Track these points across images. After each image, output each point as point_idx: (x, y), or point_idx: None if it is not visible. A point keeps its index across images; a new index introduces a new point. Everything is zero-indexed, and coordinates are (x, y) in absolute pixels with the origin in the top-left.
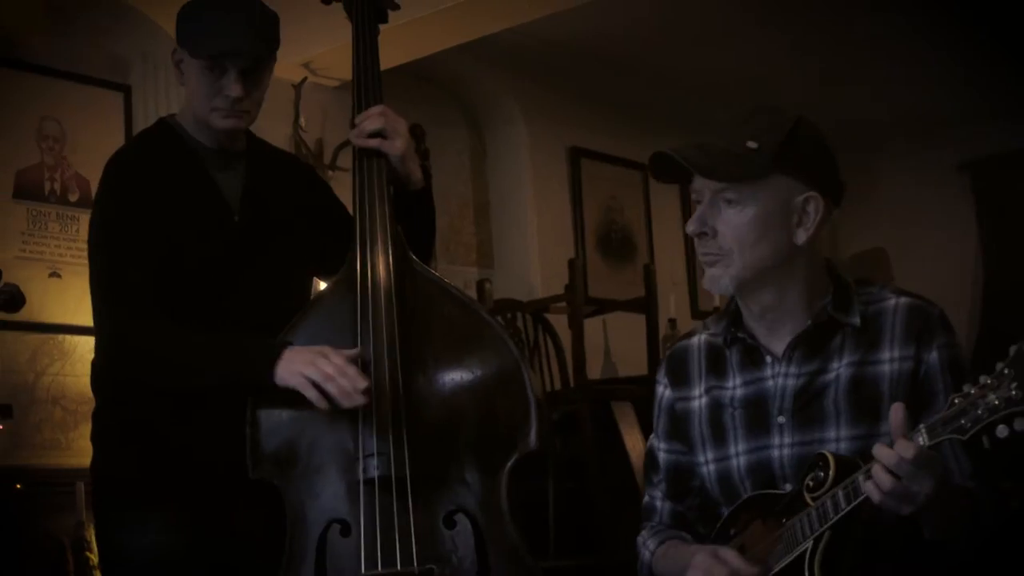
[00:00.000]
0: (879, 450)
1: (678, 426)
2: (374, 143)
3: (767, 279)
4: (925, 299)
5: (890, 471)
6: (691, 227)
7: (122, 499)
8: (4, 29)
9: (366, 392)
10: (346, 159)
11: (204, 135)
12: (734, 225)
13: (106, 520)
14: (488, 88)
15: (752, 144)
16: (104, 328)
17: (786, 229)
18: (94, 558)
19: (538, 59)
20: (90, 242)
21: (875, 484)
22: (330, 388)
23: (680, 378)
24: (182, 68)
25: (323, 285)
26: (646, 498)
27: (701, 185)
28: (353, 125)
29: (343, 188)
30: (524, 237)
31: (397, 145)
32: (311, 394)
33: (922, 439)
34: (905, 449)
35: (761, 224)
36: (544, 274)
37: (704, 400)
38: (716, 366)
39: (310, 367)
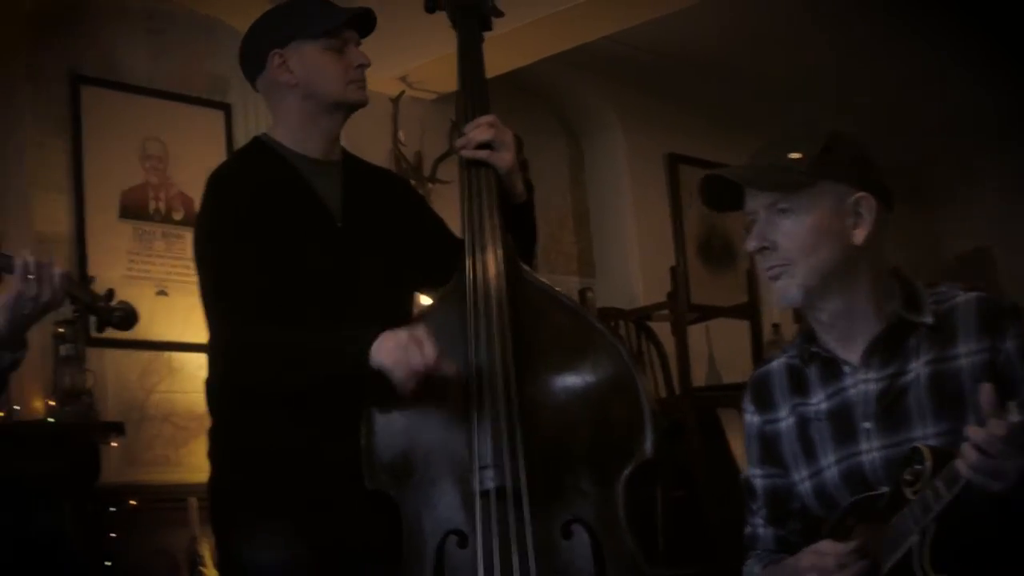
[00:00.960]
0: (972, 431)
1: (770, 450)
2: (483, 155)
3: (832, 284)
4: (994, 295)
5: (982, 449)
6: (751, 244)
7: (244, 516)
8: (107, 52)
9: (436, 363)
10: (445, 171)
11: (302, 145)
12: (792, 234)
13: (229, 537)
14: (585, 96)
15: (795, 155)
16: (216, 340)
17: (842, 231)
18: (208, 573)
19: (634, 66)
20: (197, 257)
21: (966, 462)
22: (414, 359)
23: (765, 402)
24: (290, 66)
25: (423, 300)
26: (748, 528)
27: (754, 205)
28: (460, 134)
29: (443, 201)
30: (624, 245)
31: (505, 158)
32: (401, 375)
33: (1013, 416)
34: (997, 427)
35: (817, 229)
36: (646, 282)
37: (791, 420)
38: (798, 385)
39: (401, 350)
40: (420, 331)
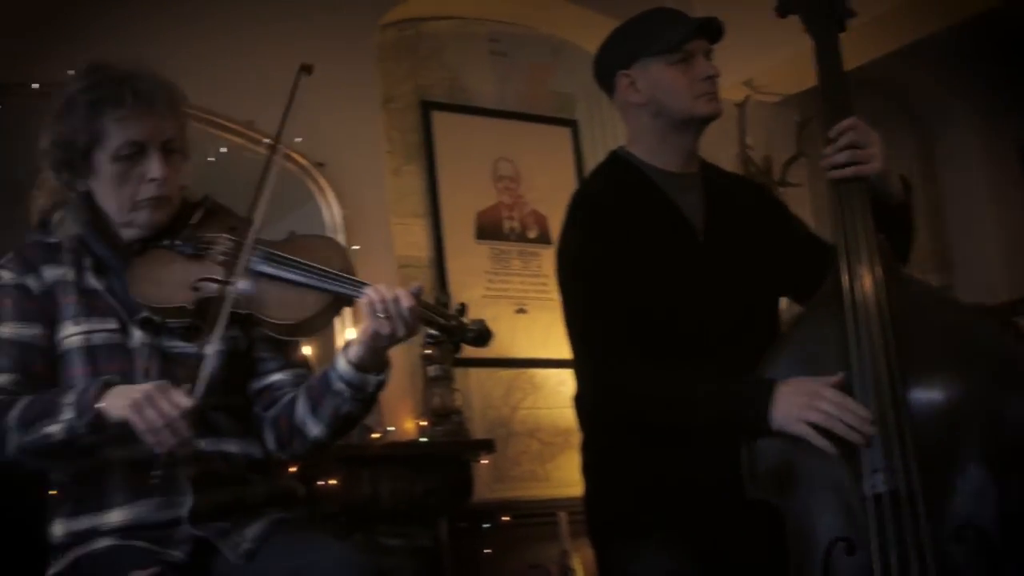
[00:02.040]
0: None
1: None
2: (849, 172)
3: None
4: None
5: None
6: None
7: (626, 530)
8: (453, 77)
9: (873, 423)
10: (795, 174)
11: (660, 160)
12: None
13: (611, 552)
14: (933, 90)
15: None
16: (586, 368)
17: None
18: None
19: (981, 55)
20: (563, 281)
21: None
22: (837, 428)
23: None
24: (637, 86)
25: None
26: None
27: None
28: (827, 140)
29: (795, 204)
30: (983, 239)
31: (873, 164)
32: (820, 443)
33: None
34: None
35: None
36: (1010, 275)
37: None
38: None
39: (811, 411)
40: (829, 391)
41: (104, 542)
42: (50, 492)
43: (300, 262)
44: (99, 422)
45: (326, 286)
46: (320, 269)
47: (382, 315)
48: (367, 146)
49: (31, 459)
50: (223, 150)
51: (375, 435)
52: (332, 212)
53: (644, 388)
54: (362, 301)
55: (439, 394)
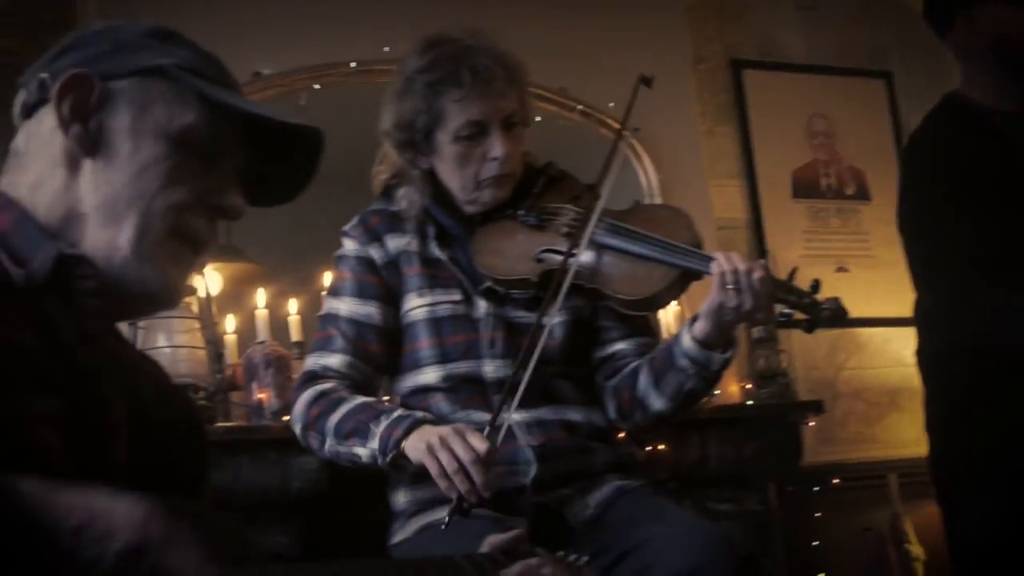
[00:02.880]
0: None
1: None
2: None
3: None
4: None
5: None
6: None
7: (978, 489)
8: (761, 33)
9: None
10: None
11: (999, 102)
12: None
13: (960, 513)
14: None
15: None
16: (950, 303)
17: None
18: (914, 550)
19: None
20: (910, 225)
21: None
22: None
23: None
24: (977, 28)
25: None
26: None
27: None
28: None
29: None
30: None
31: None
32: None
33: None
34: None
35: None
36: None
37: None
38: None
39: None
40: None
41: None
42: None
43: (646, 235)
44: (398, 461)
45: (673, 260)
46: (666, 242)
47: (731, 286)
48: (680, 109)
49: (342, 464)
50: (538, 119)
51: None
52: (648, 177)
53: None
54: (714, 269)
55: (764, 356)
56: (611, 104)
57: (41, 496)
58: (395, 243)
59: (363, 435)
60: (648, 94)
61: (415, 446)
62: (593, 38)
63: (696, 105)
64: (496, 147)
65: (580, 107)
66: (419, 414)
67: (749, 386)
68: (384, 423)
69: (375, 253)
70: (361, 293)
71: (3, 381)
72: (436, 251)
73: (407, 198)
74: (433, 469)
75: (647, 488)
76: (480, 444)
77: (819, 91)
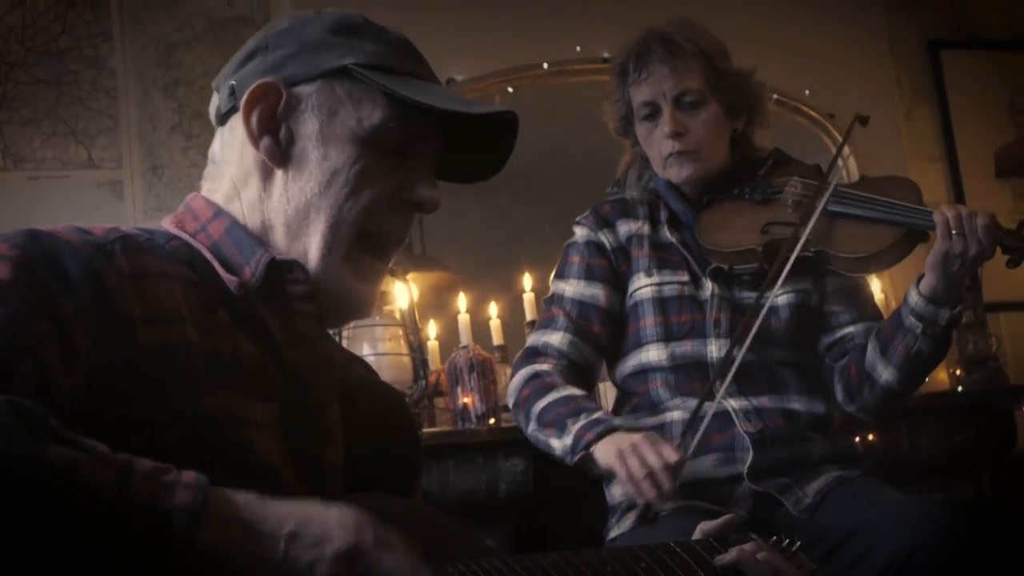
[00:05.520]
0: None
1: None
2: None
3: None
4: None
5: None
6: None
7: None
8: (959, 13)
9: None
10: None
11: None
12: None
13: None
14: None
15: None
16: None
17: None
18: None
19: None
20: None
21: None
22: None
23: None
24: None
25: None
26: None
27: None
28: None
29: None
30: None
31: None
32: None
33: None
34: None
35: None
36: None
37: None
38: None
39: None
40: None
41: (666, 504)
42: None
43: (871, 197)
44: (586, 462)
45: (898, 218)
46: (890, 202)
47: (955, 232)
48: (877, 92)
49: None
50: None
51: None
52: (847, 163)
53: None
54: (936, 219)
55: (973, 341)
56: (806, 92)
57: (257, 506)
58: (626, 228)
59: (560, 429)
60: (845, 78)
61: (605, 450)
62: (787, 24)
63: (894, 88)
64: (665, 124)
65: (775, 96)
66: (616, 420)
67: (959, 372)
68: (581, 422)
69: (605, 238)
70: (588, 275)
71: (222, 389)
72: (667, 234)
73: (638, 184)
74: (621, 473)
75: (866, 477)
76: (670, 453)
77: (1021, 66)
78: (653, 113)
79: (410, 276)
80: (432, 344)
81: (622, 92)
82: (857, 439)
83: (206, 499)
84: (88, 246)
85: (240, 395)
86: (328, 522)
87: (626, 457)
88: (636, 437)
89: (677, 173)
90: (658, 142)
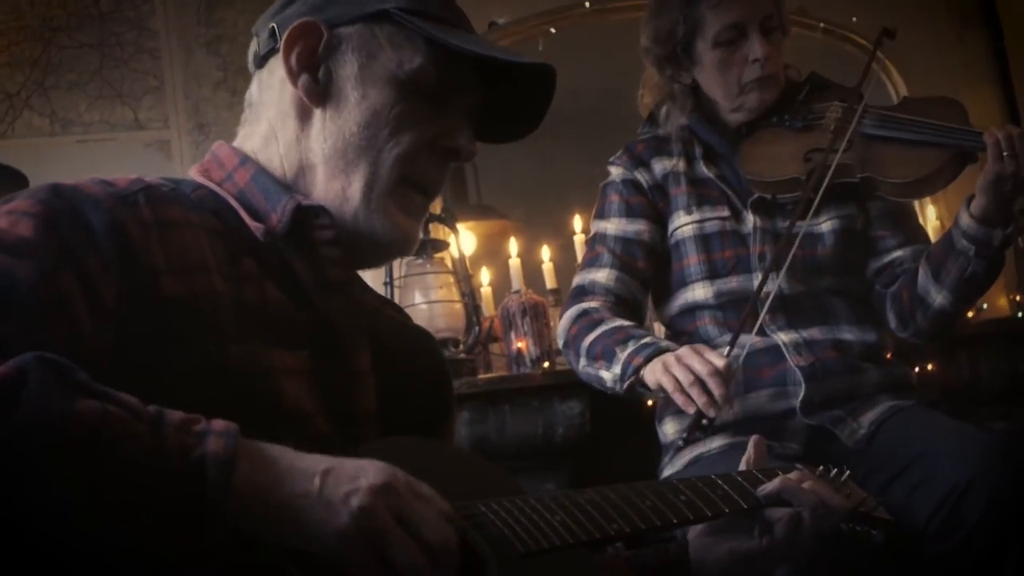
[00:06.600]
0: None
1: None
2: None
3: None
4: None
5: None
6: None
7: None
8: None
9: None
10: None
11: None
12: None
13: None
14: None
15: None
16: None
17: None
18: None
19: None
20: None
21: None
22: None
23: None
24: None
25: None
26: None
27: None
28: None
29: None
30: None
31: None
32: None
33: None
34: None
35: None
36: None
37: None
38: None
39: None
40: None
41: (718, 441)
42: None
43: (915, 120)
44: (635, 387)
45: (946, 140)
46: (936, 124)
47: (1007, 152)
48: (926, 16)
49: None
50: None
51: (970, 314)
52: (897, 90)
53: None
54: (987, 140)
55: None
56: (854, 19)
57: (291, 451)
58: (661, 166)
59: (609, 359)
60: (893, 3)
61: (653, 370)
62: None
63: (943, 12)
64: (756, 48)
65: (822, 25)
66: (664, 343)
67: (1019, 298)
68: (630, 348)
69: (641, 176)
70: (628, 212)
71: (250, 338)
72: (703, 169)
73: (671, 119)
74: (669, 385)
75: (920, 406)
76: (717, 359)
77: None
78: (737, 37)
79: (467, 225)
80: (485, 290)
81: (687, 13)
82: (916, 369)
83: (237, 445)
84: (110, 198)
85: (268, 343)
86: (361, 463)
87: (672, 369)
88: (682, 350)
89: (759, 98)
90: (739, 67)
